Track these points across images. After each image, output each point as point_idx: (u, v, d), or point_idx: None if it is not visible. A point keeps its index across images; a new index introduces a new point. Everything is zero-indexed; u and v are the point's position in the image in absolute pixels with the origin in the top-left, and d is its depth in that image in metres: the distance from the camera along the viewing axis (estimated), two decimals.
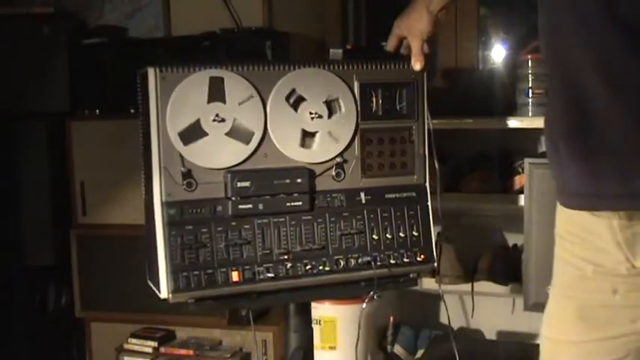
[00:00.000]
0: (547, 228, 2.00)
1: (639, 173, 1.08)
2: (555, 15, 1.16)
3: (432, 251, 1.55)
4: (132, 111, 2.42)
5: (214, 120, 1.37)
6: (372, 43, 3.02)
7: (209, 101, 1.36)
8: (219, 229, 1.38)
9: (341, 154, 1.48)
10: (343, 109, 1.48)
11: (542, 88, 2.32)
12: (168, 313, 2.42)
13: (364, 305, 2.02)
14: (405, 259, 1.52)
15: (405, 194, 1.56)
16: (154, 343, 2.46)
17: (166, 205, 1.36)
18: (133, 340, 2.48)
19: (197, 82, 1.37)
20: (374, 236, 1.50)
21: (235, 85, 1.39)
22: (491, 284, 2.36)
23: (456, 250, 2.41)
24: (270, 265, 1.42)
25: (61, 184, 2.52)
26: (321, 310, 2.28)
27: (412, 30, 1.52)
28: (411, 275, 1.57)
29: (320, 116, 1.44)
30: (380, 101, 1.53)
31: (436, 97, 2.69)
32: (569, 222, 1.26)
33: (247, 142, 1.40)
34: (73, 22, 2.68)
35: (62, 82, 2.51)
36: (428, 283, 2.43)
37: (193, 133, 1.37)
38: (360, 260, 1.48)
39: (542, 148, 2.31)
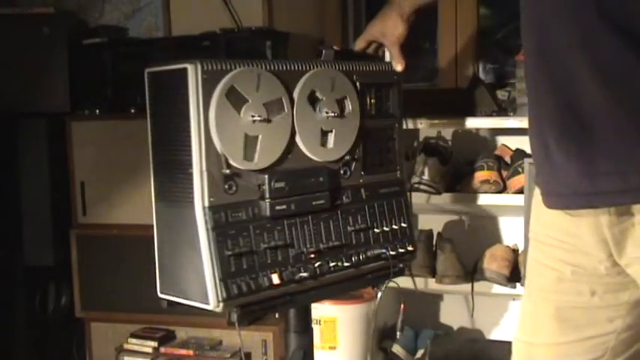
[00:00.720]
0: None
1: (637, 169, 1.08)
2: (545, 15, 1.16)
3: (415, 242, 1.67)
4: (132, 111, 2.44)
5: (254, 121, 1.34)
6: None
7: (237, 109, 1.32)
8: (257, 231, 1.35)
9: (349, 152, 1.52)
10: (350, 108, 1.51)
11: None
12: (168, 313, 2.42)
13: (379, 294, 2.05)
14: (400, 250, 1.60)
15: (392, 189, 1.64)
16: (154, 343, 2.46)
17: (210, 209, 1.30)
18: (133, 340, 2.48)
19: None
20: (376, 230, 1.57)
21: (249, 79, 1.36)
22: (491, 284, 2.36)
23: (456, 250, 2.41)
24: (302, 264, 1.42)
25: (61, 184, 2.52)
26: (321, 310, 2.28)
27: (389, 36, 1.64)
28: (401, 265, 1.65)
29: (335, 115, 1.47)
30: (373, 101, 1.59)
31: (437, 97, 2.71)
32: (549, 226, 1.27)
33: (282, 110, 1.39)
34: (73, 22, 2.68)
35: (62, 82, 2.50)
36: (428, 283, 2.43)
37: (251, 146, 1.34)
38: (369, 253, 1.54)
39: None
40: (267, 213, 1.36)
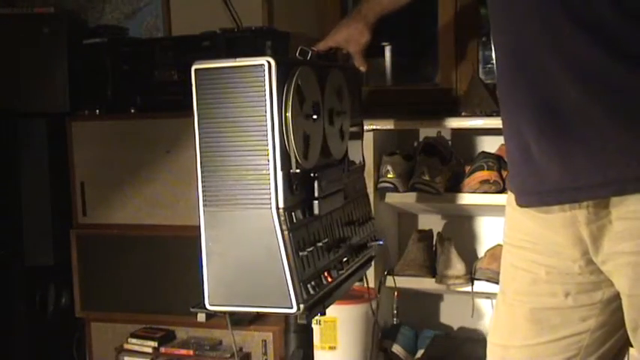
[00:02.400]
0: None
1: (616, 163, 1.11)
2: (515, 18, 1.17)
3: None
4: (132, 111, 2.44)
5: (313, 119, 1.33)
6: (373, 43, 3.03)
7: (300, 108, 1.30)
8: (312, 231, 1.34)
9: (346, 151, 1.56)
10: (347, 108, 1.52)
11: None
12: (168, 313, 2.44)
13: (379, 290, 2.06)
14: (377, 240, 1.69)
15: (362, 186, 1.72)
16: (154, 343, 2.46)
17: (285, 211, 1.25)
18: (133, 340, 2.48)
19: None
20: (365, 223, 1.64)
21: (306, 77, 1.35)
22: (491, 284, 2.36)
23: (456, 250, 2.41)
24: (336, 260, 1.43)
25: (61, 184, 2.52)
26: None
27: (353, 44, 1.74)
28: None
29: (344, 114, 1.48)
30: (351, 101, 1.62)
31: (437, 97, 2.71)
32: (521, 229, 1.29)
33: (320, 107, 1.40)
34: (73, 22, 2.68)
35: (62, 82, 2.51)
36: (428, 283, 2.43)
37: (307, 144, 1.33)
38: (368, 245, 1.61)
39: None
40: (317, 211, 1.35)
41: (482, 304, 2.61)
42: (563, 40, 1.11)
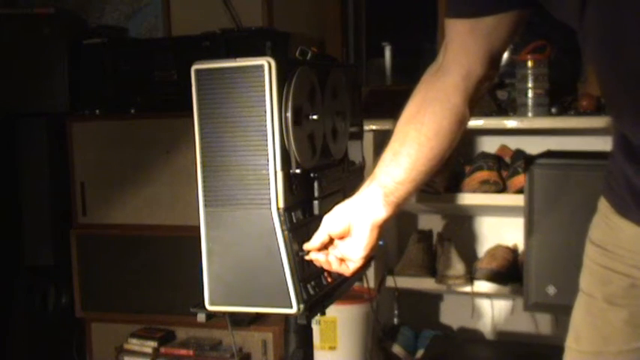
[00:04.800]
0: (546, 228, 2.01)
1: None
2: (594, 63, 1.15)
3: None
4: (132, 111, 2.45)
5: (312, 119, 1.32)
6: (373, 43, 3.03)
7: (301, 108, 1.30)
8: (312, 231, 1.31)
9: (346, 151, 1.54)
10: (347, 108, 1.53)
11: (542, 88, 2.32)
12: (168, 313, 2.44)
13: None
14: None
15: (359, 185, 1.68)
16: (154, 343, 2.46)
17: (286, 211, 1.24)
18: (133, 340, 2.48)
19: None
20: None
21: (306, 77, 1.35)
22: (491, 284, 2.36)
23: (456, 251, 2.41)
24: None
25: (61, 184, 2.52)
26: None
27: None
28: None
29: (344, 114, 1.47)
30: (350, 101, 1.60)
31: None
32: (618, 236, 1.25)
33: (321, 107, 1.39)
34: (74, 22, 2.68)
35: (62, 82, 2.51)
36: (428, 283, 2.43)
37: (308, 144, 1.31)
38: None
39: (542, 148, 2.31)
40: (317, 211, 1.34)
41: (482, 304, 2.61)
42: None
